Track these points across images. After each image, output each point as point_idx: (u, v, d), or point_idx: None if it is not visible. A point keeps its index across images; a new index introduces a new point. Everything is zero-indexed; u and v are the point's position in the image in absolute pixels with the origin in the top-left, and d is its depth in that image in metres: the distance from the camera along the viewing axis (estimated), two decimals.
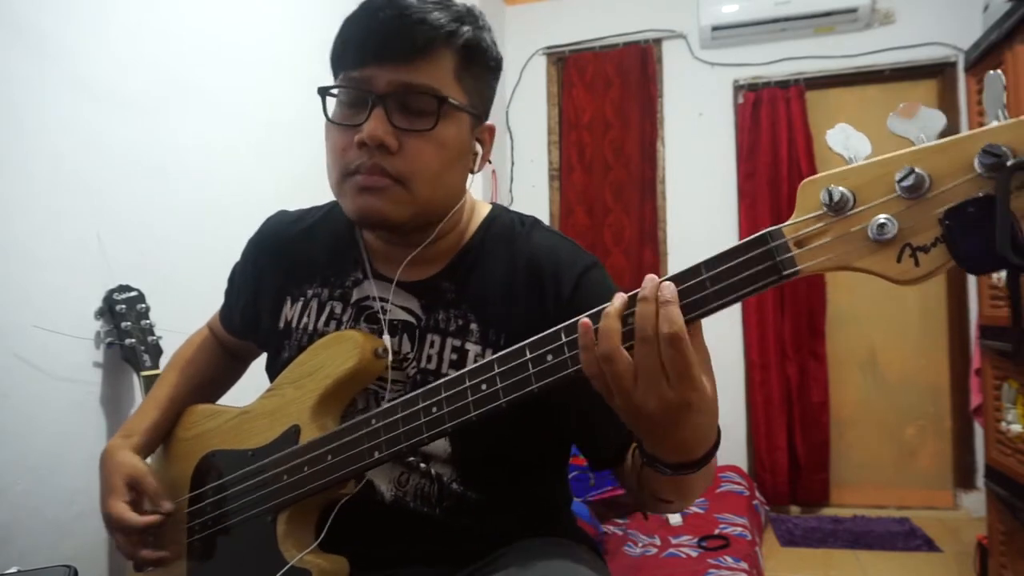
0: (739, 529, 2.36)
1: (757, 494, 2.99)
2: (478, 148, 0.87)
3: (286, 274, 0.96)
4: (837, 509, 3.23)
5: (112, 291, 1.35)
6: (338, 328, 0.90)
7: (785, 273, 0.58)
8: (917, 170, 0.54)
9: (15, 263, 1.19)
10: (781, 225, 0.59)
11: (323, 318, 0.91)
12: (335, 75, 0.83)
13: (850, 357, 3.34)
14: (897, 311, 3.26)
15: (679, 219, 3.49)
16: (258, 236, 1.03)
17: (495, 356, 0.70)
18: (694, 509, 2.62)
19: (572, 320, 0.66)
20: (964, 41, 2.65)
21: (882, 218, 0.55)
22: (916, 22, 3.19)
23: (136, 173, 1.45)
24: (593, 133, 3.60)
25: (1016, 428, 1.96)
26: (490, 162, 0.91)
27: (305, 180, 2.02)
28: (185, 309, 1.49)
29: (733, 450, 3.30)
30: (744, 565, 2.06)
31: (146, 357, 1.33)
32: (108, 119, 1.38)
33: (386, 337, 0.85)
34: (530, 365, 0.68)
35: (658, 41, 3.52)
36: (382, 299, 0.88)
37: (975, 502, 3.04)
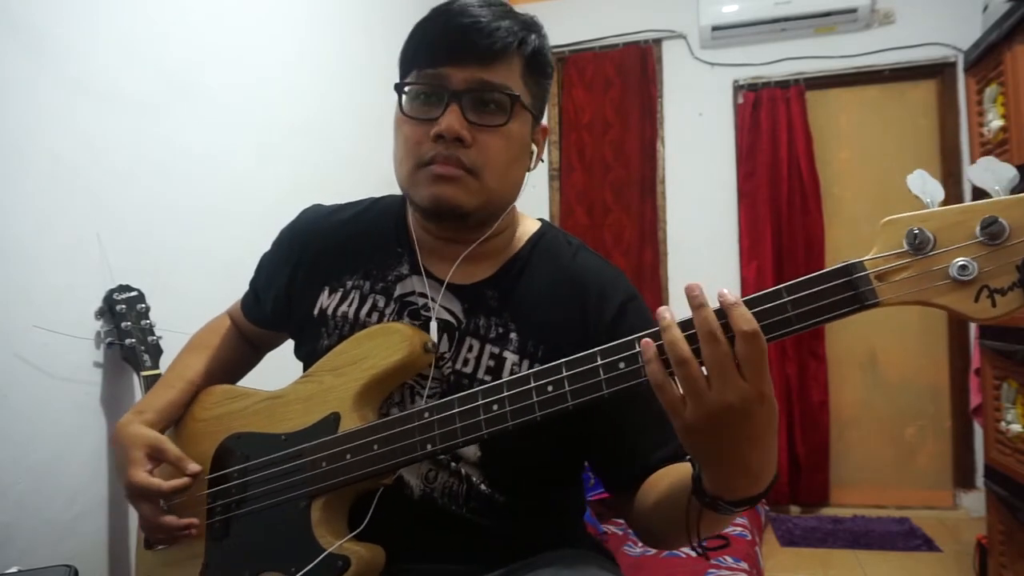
0: (739, 529, 2.36)
1: None
2: (533, 148, 0.92)
3: (324, 264, 0.97)
4: (837, 509, 3.23)
5: (112, 291, 1.35)
6: (380, 321, 0.91)
7: (867, 303, 0.63)
8: (1000, 219, 0.60)
9: (15, 263, 1.19)
10: (862, 259, 0.63)
11: (365, 309, 0.92)
12: (405, 75, 0.87)
13: (850, 357, 3.34)
14: (897, 311, 3.25)
15: (679, 219, 3.49)
16: (293, 226, 1.04)
17: (563, 360, 0.71)
18: None
19: (649, 332, 0.67)
20: (964, 41, 2.65)
21: (963, 260, 0.60)
22: (916, 22, 3.20)
23: (136, 173, 1.45)
24: (593, 133, 3.60)
25: (1016, 428, 1.96)
26: (543, 160, 0.96)
27: (305, 180, 2.03)
28: (185, 309, 1.49)
29: None
30: (744, 565, 2.06)
31: (146, 357, 1.33)
32: (108, 119, 1.38)
33: (433, 332, 0.87)
34: (601, 371, 0.69)
35: (658, 41, 3.52)
36: (425, 295, 0.90)
37: (975, 502, 3.04)
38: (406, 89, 0.85)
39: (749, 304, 0.63)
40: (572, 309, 0.88)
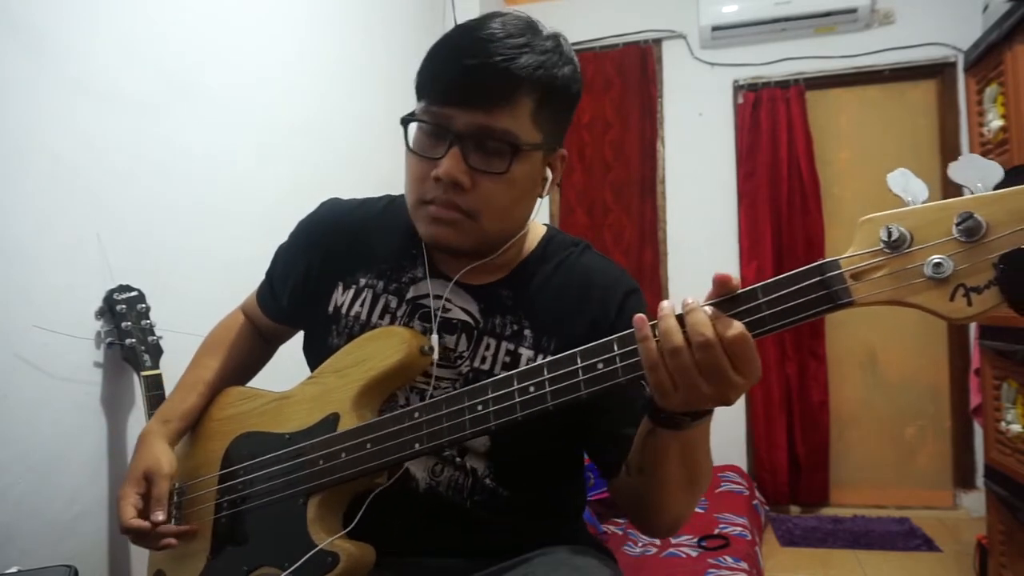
0: (739, 529, 2.36)
1: (757, 494, 3.00)
2: (548, 173, 0.91)
3: (339, 259, 0.98)
4: (837, 509, 3.23)
5: (112, 291, 1.35)
6: (392, 323, 0.93)
7: (841, 303, 0.62)
8: (976, 215, 0.58)
9: (15, 263, 1.19)
10: (838, 257, 0.62)
11: (377, 310, 0.94)
12: (418, 99, 0.86)
13: (850, 357, 3.34)
14: (897, 311, 3.25)
15: (679, 219, 3.49)
16: (312, 218, 1.05)
17: (545, 361, 0.74)
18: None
19: (626, 332, 0.69)
20: (964, 41, 2.65)
21: (938, 258, 0.59)
22: (916, 22, 3.20)
23: (136, 173, 1.45)
24: (593, 133, 3.60)
25: (1016, 428, 1.96)
26: (558, 186, 0.95)
27: (305, 180, 2.03)
28: (185, 309, 1.49)
29: (733, 450, 3.30)
30: (744, 565, 2.06)
31: (146, 357, 1.33)
32: (107, 119, 1.38)
33: (434, 337, 0.88)
34: (580, 372, 0.71)
35: (658, 41, 3.52)
36: (439, 297, 0.92)
37: (975, 502, 3.04)
38: (412, 122, 0.85)
39: (726, 304, 0.65)
40: (581, 304, 0.90)
